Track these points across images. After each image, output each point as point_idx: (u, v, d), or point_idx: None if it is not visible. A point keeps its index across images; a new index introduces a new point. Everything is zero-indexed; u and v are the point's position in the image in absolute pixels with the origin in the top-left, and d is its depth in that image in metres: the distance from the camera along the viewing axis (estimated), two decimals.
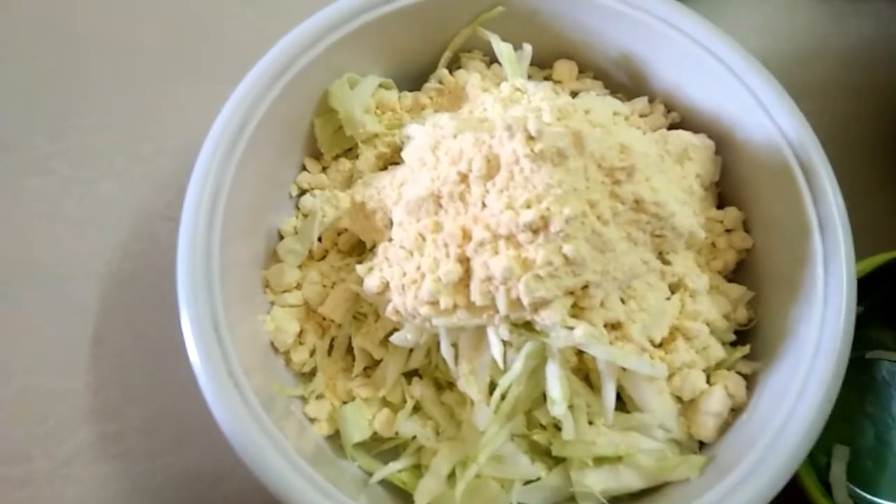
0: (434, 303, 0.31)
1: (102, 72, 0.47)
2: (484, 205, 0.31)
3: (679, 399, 0.34)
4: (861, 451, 0.38)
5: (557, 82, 0.41)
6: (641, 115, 0.40)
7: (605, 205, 0.31)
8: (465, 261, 0.31)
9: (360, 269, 0.35)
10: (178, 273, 0.32)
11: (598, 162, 0.31)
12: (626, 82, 0.41)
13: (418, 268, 0.32)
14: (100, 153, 0.45)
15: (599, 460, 0.33)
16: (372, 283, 0.34)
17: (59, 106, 0.46)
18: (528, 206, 0.29)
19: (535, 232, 0.29)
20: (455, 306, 0.31)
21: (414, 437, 0.35)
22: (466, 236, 0.31)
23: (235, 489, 0.38)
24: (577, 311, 0.31)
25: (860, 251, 0.33)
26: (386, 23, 0.37)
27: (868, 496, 0.37)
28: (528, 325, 0.32)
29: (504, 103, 0.36)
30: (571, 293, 0.31)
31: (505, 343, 0.32)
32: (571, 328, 0.31)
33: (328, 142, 0.39)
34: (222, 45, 0.48)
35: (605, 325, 0.32)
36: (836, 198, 0.33)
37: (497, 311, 0.31)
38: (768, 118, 0.35)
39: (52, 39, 0.47)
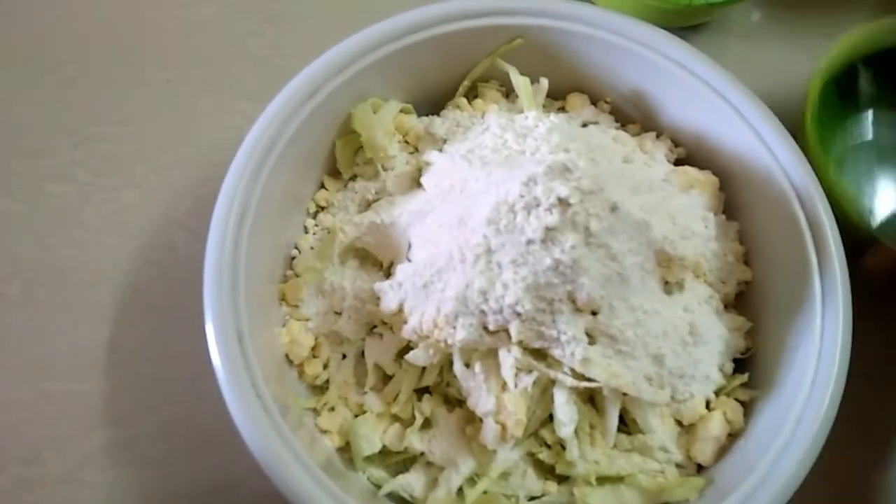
0: (450, 325, 0.33)
1: (125, 81, 0.48)
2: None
3: (679, 423, 0.36)
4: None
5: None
6: (644, 152, 0.41)
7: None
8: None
9: (377, 287, 0.36)
10: (205, 285, 0.33)
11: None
12: (635, 117, 0.43)
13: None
14: (121, 161, 0.46)
15: (602, 479, 0.34)
16: (390, 303, 0.35)
17: (81, 113, 0.46)
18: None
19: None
20: (470, 330, 0.33)
21: (423, 453, 0.36)
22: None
23: (247, 497, 0.39)
24: (589, 338, 0.33)
25: None
26: (410, 52, 0.38)
27: None
28: (540, 352, 0.33)
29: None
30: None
31: (517, 365, 0.33)
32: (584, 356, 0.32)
33: (347, 162, 0.41)
34: (243, 61, 0.49)
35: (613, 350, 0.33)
36: (835, 236, 0.35)
37: (510, 337, 0.32)
38: (770, 156, 0.37)
39: (77, 48, 0.48)
